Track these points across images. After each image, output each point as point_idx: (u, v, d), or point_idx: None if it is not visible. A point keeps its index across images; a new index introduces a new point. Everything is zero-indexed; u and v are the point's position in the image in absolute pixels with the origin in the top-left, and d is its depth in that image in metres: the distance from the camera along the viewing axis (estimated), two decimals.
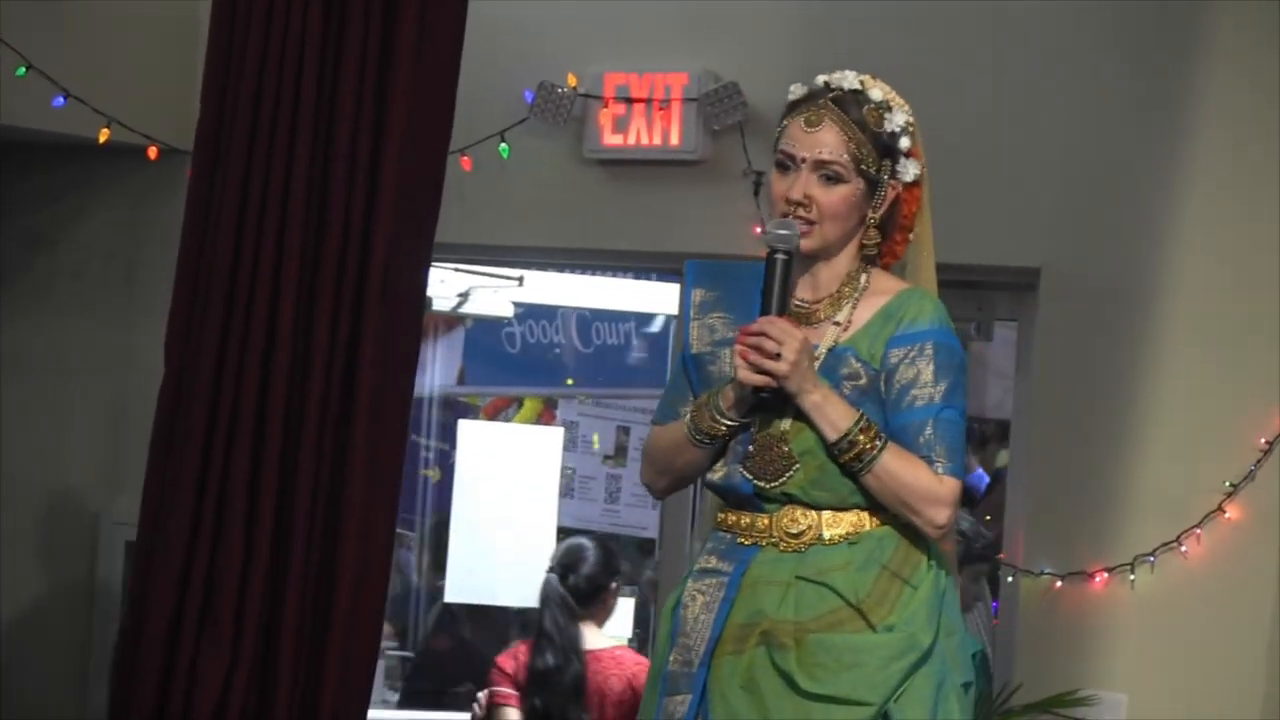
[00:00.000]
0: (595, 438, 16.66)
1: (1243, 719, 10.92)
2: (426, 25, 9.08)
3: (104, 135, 11.23)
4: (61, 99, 11.02)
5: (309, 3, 9.00)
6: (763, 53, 11.24)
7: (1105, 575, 11.07)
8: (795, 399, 7.02)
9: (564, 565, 12.11)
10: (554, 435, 16.37)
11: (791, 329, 6.92)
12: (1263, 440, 10.90)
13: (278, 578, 8.90)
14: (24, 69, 10.95)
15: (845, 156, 7.16)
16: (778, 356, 6.83)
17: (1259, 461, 10.87)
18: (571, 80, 11.95)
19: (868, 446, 6.97)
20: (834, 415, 6.99)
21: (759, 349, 6.86)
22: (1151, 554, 11.05)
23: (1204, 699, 10.92)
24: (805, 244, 7.10)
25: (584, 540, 12.67)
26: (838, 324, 7.29)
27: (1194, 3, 11.50)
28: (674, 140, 11.66)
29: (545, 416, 17.57)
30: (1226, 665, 10.91)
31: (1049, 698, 10.87)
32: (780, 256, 7.02)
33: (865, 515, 7.24)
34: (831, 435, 6.99)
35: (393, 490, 9.54)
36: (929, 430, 7.15)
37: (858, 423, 6.97)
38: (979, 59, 11.40)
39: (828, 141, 7.20)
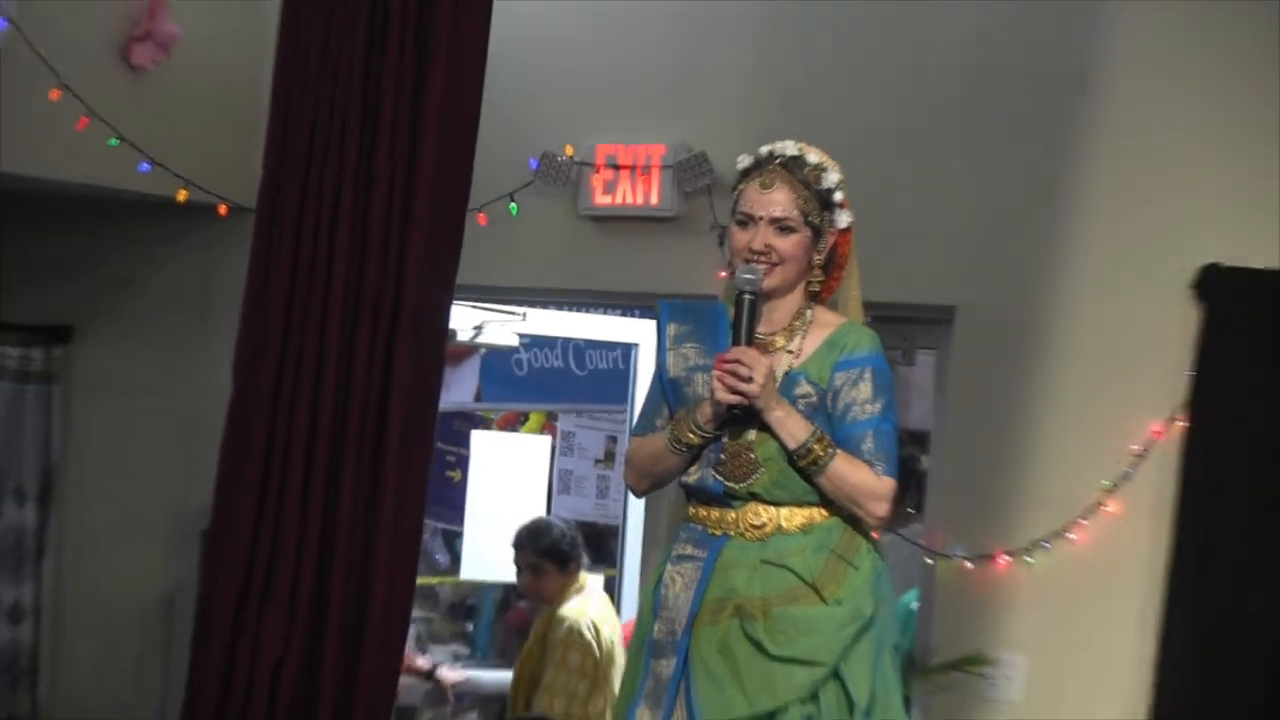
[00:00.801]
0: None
1: (1119, 675, 11.04)
2: (449, 103, 9.24)
3: (182, 195, 11.23)
4: (147, 165, 11.04)
5: (350, 81, 9.17)
6: (725, 128, 11.32)
7: (1007, 558, 11.26)
8: (762, 415, 7.34)
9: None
10: (543, 442, 17.05)
11: (760, 357, 7.27)
12: (1135, 447, 11.08)
13: (326, 558, 9.13)
14: (115, 140, 10.96)
15: (795, 211, 7.51)
16: (749, 380, 7.13)
17: (1133, 464, 11.04)
18: (569, 150, 11.96)
19: (821, 454, 7.32)
20: (794, 428, 7.33)
21: (734, 374, 7.17)
22: (1045, 540, 11.20)
23: (1088, 658, 11.13)
24: (767, 283, 7.44)
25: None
26: (790, 352, 7.60)
27: (1080, 69, 11.58)
28: (654, 200, 11.78)
29: (548, 427, 17.89)
30: (1106, 630, 11.12)
31: (961, 658, 11.16)
32: (748, 297, 7.37)
33: (816, 510, 7.56)
34: (792, 444, 7.32)
35: (420, 489, 9.70)
36: (869, 440, 7.50)
37: (814, 434, 7.34)
38: (903, 126, 11.47)
39: (780, 200, 7.54)
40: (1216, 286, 10.96)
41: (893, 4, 11.76)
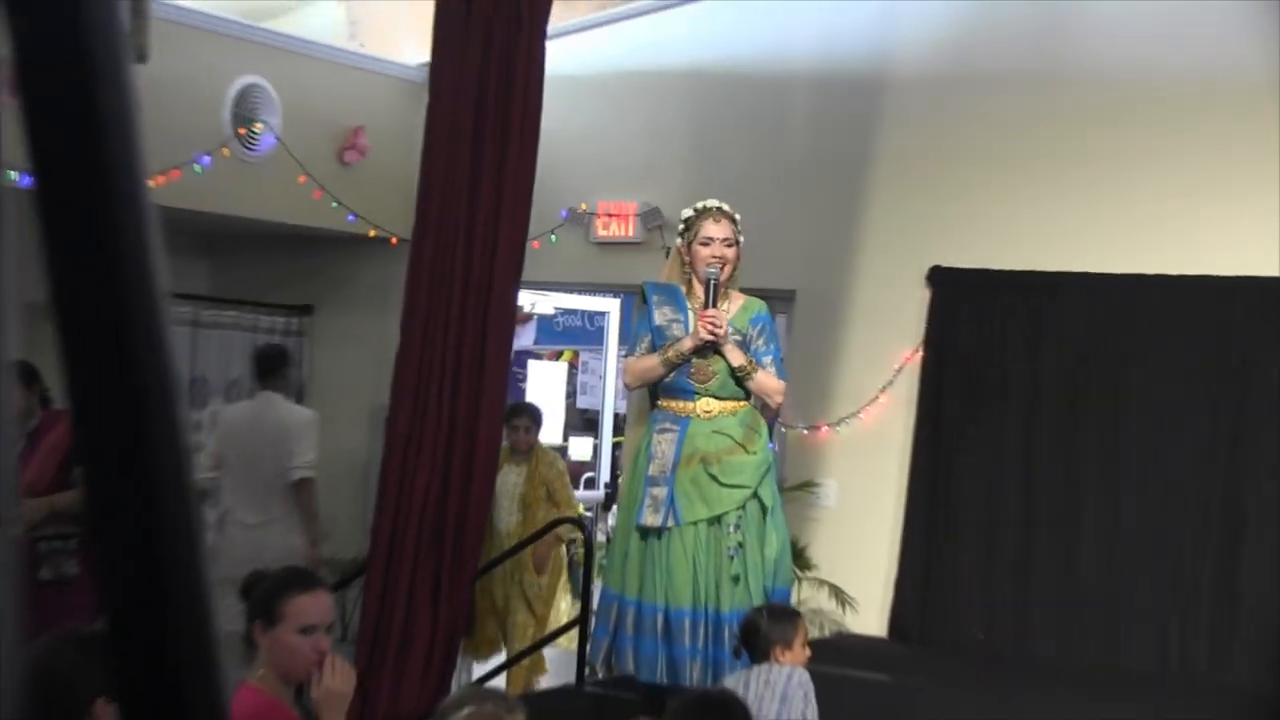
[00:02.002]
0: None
1: (888, 490, 11.01)
2: (519, 173, 9.11)
3: (372, 233, 11.23)
4: (353, 216, 11.08)
5: (464, 160, 8.89)
6: (667, 194, 11.21)
7: (827, 427, 11.27)
8: (719, 347, 7.83)
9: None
10: (561, 368, 17.48)
11: (722, 315, 7.88)
12: (896, 366, 11.04)
13: (451, 429, 8.86)
14: (336, 204, 10.95)
15: (732, 235, 8.02)
16: (720, 328, 7.74)
17: (895, 375, 11.02)
18: (584, 206, 11.88)
19: (752, 370, 7.90)
20: (738, 356, 7.90)
21: (713, 323, 7.72)
22: (847, 418, 11.17)
23: (870, 483, 11.11)
24: (722, 275, 7.95)
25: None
26: (725, 311, 7.95)
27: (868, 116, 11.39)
28: (630, 233, 11.74)
29: (574, 359, 17.78)
30: (880, 467, 11.04)
31: (803, 482, 11.07)
32: (713, 281, 7.88)
33: (742, 402, 8.03)
34: (735, 364, 7.88)
35: (502, 394, 9.41)
36: (770, 363, 8.09)
37: (748, 359, 7.95)
38: (766, 174, 11.18)
39: (727, 230, 8.06)
40: (939, 278, 10.94)
41: (751, 101, 11.53)
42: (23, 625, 0.56)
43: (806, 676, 6.50)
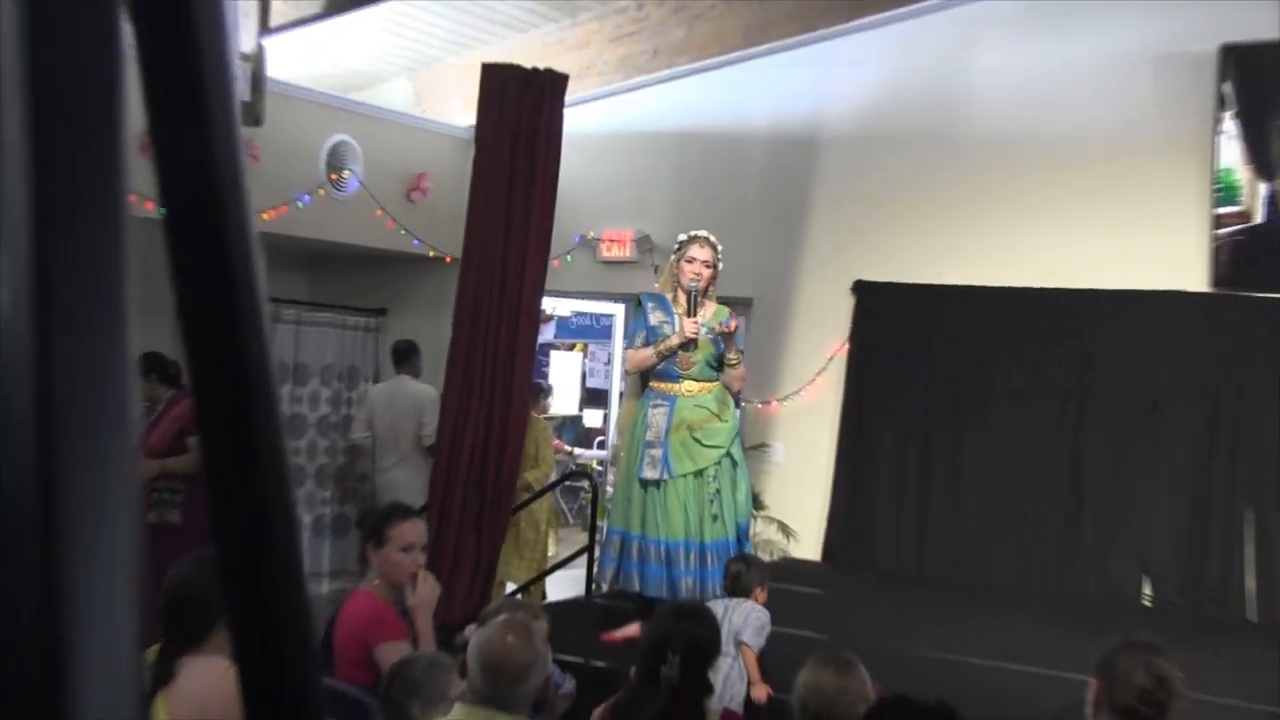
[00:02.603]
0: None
1: (822, 452, 10.98)
2: (543, 207, 9.04)
3: (432, 253, 11.16)
4: (418, 241, 11.07)
5: (502, 195, 8.85)
6: (658, 223, 11.24)
7: (776, 402, 11.24)
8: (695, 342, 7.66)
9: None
10: (576, 357, 16.96)
11: (699, 325, 7.75)
12: (829, 355, 10.99)
13: (490, 402, 8.88)
14: (403, 230, 11.01)
15: (712, 257, 7.82)
16: (696, 333, 7.62)
17: (828, 362, 10.99)
18: (592, 233, 11.79)
19: (737, 363, 7.91)
20: (734, 353, 7.88)
21: (697, 326, 7.61)
22: (791, 395, 11.14)
23: (809, 446, 11.04)
24: (701, 287, 7.73)
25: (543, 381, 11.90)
26: (703, 314, 7.79)
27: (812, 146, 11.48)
28: (628, 255, 11.65)
29: (585, 350, 17.54)
30: (816, 434, 11.01)
31: (755, 444, 10.93)
32: (694, 292, 7.68)
33: (716, 383, 7.85)
34: (731, 359, 7.87)
35: (528, 379, 9.27)
36: (734, 355, 7.84)
37: (738, 354, 7.92)
38: (730, 208, 10.59)
39: (709, 254, 7.85)
40: (861, 289, 10.95)
41: (718, 155, 11.46)
42: (139, 558, 0.55)
43: (768, 616, 6.52)
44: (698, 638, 4.67)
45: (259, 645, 0.74)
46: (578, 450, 16.17)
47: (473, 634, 4.37)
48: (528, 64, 9.36)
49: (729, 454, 7.79)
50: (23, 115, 0.55)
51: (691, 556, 7.59)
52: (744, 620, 6.42)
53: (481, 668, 3.79)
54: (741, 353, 8.16)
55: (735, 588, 6.74)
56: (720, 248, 7.95)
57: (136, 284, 0.55)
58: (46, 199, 0.55)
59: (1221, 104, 9.71)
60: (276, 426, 0.72)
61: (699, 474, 7.69)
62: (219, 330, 0.69)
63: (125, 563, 0.54)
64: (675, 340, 7.76)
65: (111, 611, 0.54)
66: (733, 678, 6.20)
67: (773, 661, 6.60)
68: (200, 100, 0.69)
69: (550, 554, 10.39)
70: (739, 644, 6.33)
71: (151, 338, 7.16)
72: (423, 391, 10.74)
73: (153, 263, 0.65)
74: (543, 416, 11.01)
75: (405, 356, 10.93)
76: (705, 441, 7.72)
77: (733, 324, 7.83)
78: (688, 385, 7.83)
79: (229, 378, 0.70)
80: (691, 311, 7.78)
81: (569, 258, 11.67)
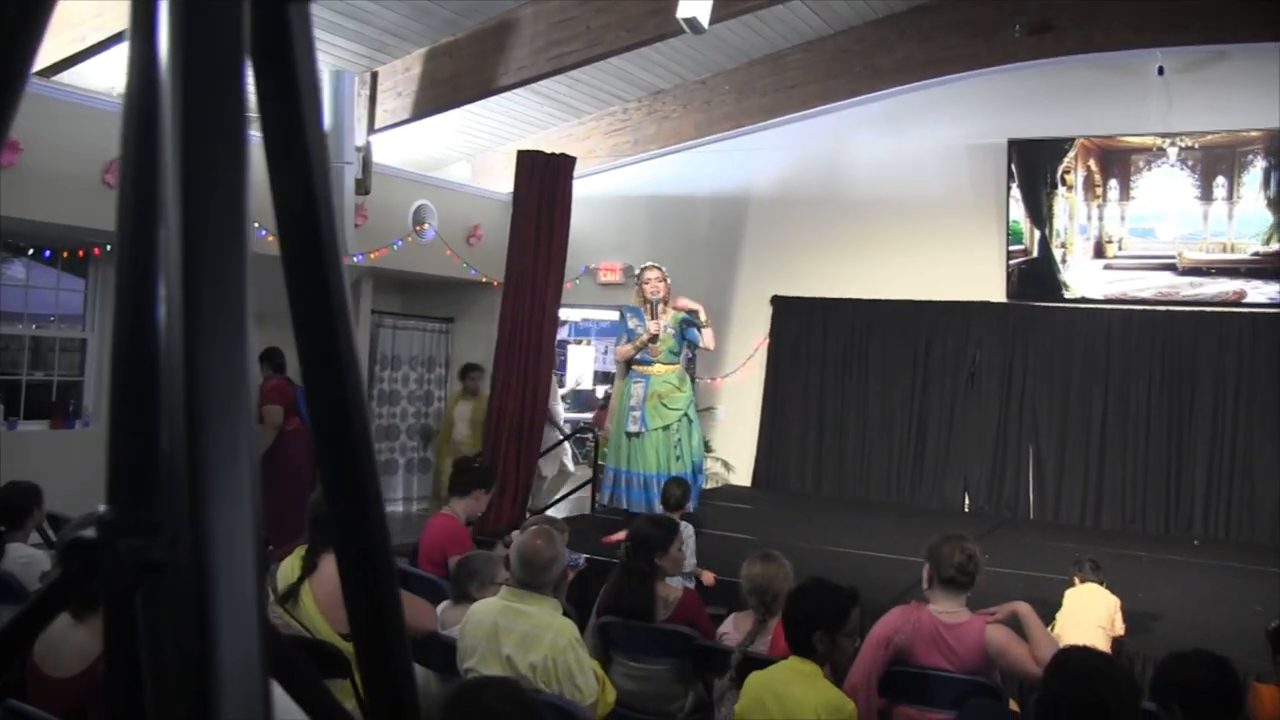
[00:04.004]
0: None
1: (751, 417, 10.89)
2: (559, 243, 9.00)
3: (484, 279, 11.03)
4: (475, 270, 11.06)
5: (530, 234, 8.85)
6: (638, 255, 11.17)
7: (720, 378, 11.12)
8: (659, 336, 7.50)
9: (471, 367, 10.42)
10: (587, 350, 15.74)
11: (660, 324, 7.62)
12: (755, 344, 10.94)
13: (526, 389, 8.87)
14: (466, 264, 11.02)
15: (661, 277, 7.72)
16: (658, 331, 7.51)
17: (754, 350, 10.95)
18: (593, 264, 11.63)
19: (707, 338, 7.80)
20: (708, 337, 7.85)
21: (656, 328, 7.52)
22: (729, 373, 11.03)
23: (742, 412, 10.93)
24: (659, 297, 7.67)
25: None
26: (664, 315, 7.69)
27: (743, 200, 11.46)
28: (618, 279, 11.47)
29: (591, 345, 17.35)
30: (746, 399, 10.91)
31: (705, 408, 10.75)
32: (655, 302, 7.64)
33: (677, 366, 7.70)
34: (704, 343, 7.84)
35: (550, 369, 9.30)
36: (700, 335, 7.69)
37: (705, 335, 7.80)
38: (684, 244, 10.87)
39: (657, 274, 7.76)
40: (777, 301, 10.88)
41: (678, 210, 11.33)
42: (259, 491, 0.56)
43: (691, 529, 6.32)
44: (646, 535, 4.69)
45: (356, 545, 0.74)
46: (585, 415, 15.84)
47: (514, 539, 4.37)
48: (548, 150, 9.35)
49: (686, 414, 7.77)
50: (176, 182, 0.55)
51: (658, 484, 7.58)
52: (691, 547, 6.20)
53: (519, 562, 3.83)
54: (700, 332, 7.91)
55: (672, 503, 6.51)
56: (665, 269, 7.88)
57: (256, 301, 0.55)
58: (192, 243, 0.54)
59: (1011, 178, 9.82)
60: (360, 399, 0.72)
61: (666, 428, 7.68)
62: (321, 333, 0.69)
63: (250, 495, 0.54)
64: (645, 336, 7.75)
65: (238, 534, 0.54)
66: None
67: (718, 554, 6.65)
68: (304, 161, 0.69)
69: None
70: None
71: (275, 335, 7.01)
72: None
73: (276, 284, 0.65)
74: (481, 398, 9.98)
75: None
76: (670, 406, 7.71)
77: (700, 314, 7.82)
78: (658, 368, 7.78)
79: (330, 367, 0.70)
80: (654, 315, 7.78)
81: (578, 281, 11.46)
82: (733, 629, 4.52)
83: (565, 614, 3.92)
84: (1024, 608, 3.96)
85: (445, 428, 10.29)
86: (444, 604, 4.54)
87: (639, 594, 4.59)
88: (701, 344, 7.99)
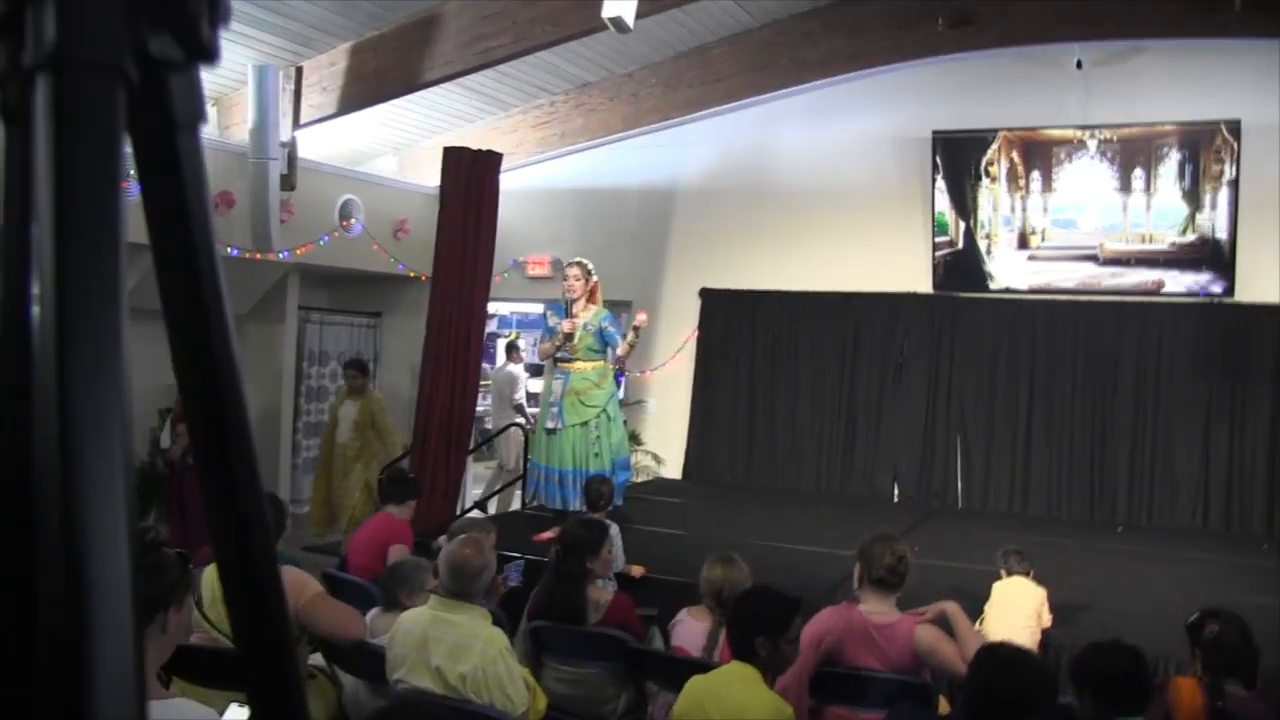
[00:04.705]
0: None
1: (681, 408, 10.89)
2: (486, 238, 8.96)
3: (411, 274, 10.93)
4: (402, 265, 10.94)
5: (457, 230, 8.86)
6: (565, 250, 11.13)
7: (650, 371, 11.10)
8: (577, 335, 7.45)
9: (358, 361, 9.71)
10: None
11: (574, 322, 7.55)
12: (684, 336, 10.94)
13: (456, 386, 8.82)
14: (394, 259, 10.88)
15: (582, 274, 7.65)
16: (572, 330, 7.43)
17: (685, 342, 10.93)
18: (521, 258, 11.54)
19: (626, 345, 7.63)
20: (623, 347, 7.67)
21: (571, 326, 7.44)
22: (659, 365, 11.01)
23: (672, 405, 10.94)
24: (575, 296, 7.63)
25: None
26: (581, 314, 7.63)
27: (670, 193, 11.44)
28: (546, 272, 11.34)
29: (519, 338, 17.17)
30: (677, 390, 10.90)
31: (635, 400, 10.98)
32: (569, 301, 7.60)
33: (597, 363, 7.63)
34: (621, 352, 7.75)
35: (478, 361, 9.22)
36: (619, 341, 7.57)
37: (627, 342, 7.62)
38: (613, 237, 10.84)
39: (577, 271, 7.70)
40: (705, 294, 10.90)
41: (608, 203, 11.28)
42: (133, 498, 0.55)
43: (617, 529, 6.24)
44: (577, 537, 4.68)
45: (233, 533, 0.70)
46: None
47: (443, 544, 4.33)
48: (476, 144, 9.31)
49: (605, 411, 7.72)
50: (50, 205, 0.54)
51: (578, 481, 7.52)
52: (619, 546, 6.11)
53: (448, 571, 3.79)
54: (624, 336, 7.78)
55: (596, 505, 6.44)
56: (590, 265, 7.83)
57: (127, 304, 0.55)
58: (63, 245, 0.54)
59: (936, 170, 9.91)
60: (240, 398, 0.69)
61: (584, 425, 7.65)
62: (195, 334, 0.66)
63: (125, 501, 0.53)
64: (560, 335, 7.71)
65: (114, 544, 0.53)
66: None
67: (647, 549, 6.66)
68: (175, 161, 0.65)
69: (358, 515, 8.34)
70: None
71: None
72: (516, 371, 11.86)
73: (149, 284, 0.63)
74: (377, 392, 9.16)
75: (509, 350, 12.32)
76: (587, 403, 7.67)
77: (637, 331, 7.62)
78: (578, 365, 7.72)
79: (207, 369, 0.67)
80: (568, 313, 7.73)
81: (506, 274, 11.34)
82: (689, 620, 4.53)
83: (495, 622, 3.89)
84: (952, 607, 4.00)
85: (329, 429, 9.26)
86: (373, 611, 4.50)
87: (571, 597, 4.57)
88: (616, 350, 7.89)
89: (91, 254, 0.55)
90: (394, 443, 8.79)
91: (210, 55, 0.61)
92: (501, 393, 11.69)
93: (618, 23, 4.86)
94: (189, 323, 0.67)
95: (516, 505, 9.69)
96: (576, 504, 7.48)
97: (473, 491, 10.97)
